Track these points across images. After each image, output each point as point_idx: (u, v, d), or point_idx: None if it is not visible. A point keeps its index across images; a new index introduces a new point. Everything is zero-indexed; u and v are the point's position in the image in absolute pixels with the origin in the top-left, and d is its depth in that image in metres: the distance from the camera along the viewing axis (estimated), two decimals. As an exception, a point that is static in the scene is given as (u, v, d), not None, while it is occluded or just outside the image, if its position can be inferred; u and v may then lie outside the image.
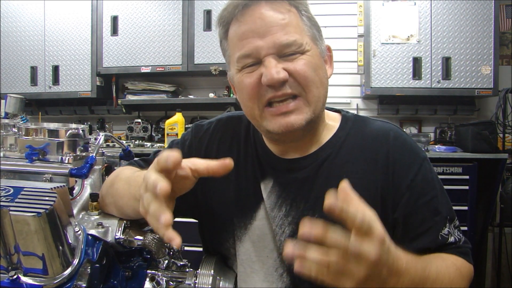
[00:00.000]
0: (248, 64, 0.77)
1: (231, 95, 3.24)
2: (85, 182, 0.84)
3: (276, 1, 0.76)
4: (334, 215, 0.49)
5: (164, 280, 0.79)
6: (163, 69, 3.12)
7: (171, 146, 0.99)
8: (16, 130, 0.84)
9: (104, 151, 0.94)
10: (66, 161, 0.76)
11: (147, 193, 0.57)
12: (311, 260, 0.50)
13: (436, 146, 2.76)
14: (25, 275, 0.63)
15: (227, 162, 0.58)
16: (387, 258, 0.54)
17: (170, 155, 0.56)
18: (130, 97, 3.30)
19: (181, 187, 0.63)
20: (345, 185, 0.51)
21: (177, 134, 2.83)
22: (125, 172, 0.84)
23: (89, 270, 0.70)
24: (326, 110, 0.90)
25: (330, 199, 0.49)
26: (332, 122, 0.90)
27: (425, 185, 0.81)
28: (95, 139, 0.87)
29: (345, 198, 0.50)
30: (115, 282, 0.78)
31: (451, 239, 0.79)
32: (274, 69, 0.73)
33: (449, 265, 0.75)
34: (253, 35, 0.75)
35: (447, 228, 0.80)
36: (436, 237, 0.79)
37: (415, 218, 0.80)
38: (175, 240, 0.53)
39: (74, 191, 0.81)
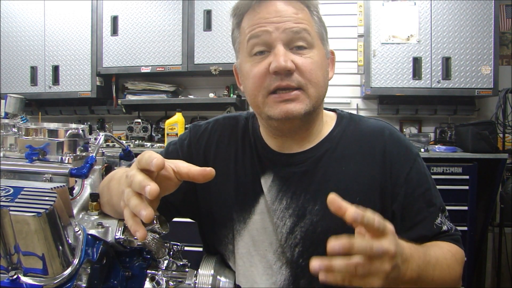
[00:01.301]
0: (259, 50, 0.81)
1: (231, 95, 3.24)
2: (85, 182, 0.84)
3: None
4: (356, 225, 0.56)
5: (164, 280, 0.79)
6: (163, 69, 3.12)
7: (168, 147, 0.99)
8: (16, 130, 0.84)
9: (104, 151, 0.94)
10: (66, 161, 0.76)
11: (128, 188, 0.57)
12: (339, 269, 0.54)
13: (436, 146, 2.75)
14: (25, 275, 0.63)
15: (208, 171, 0.59)
16: (399, 247, 0.59)
17: (153, 158, 0.55)
18: (130, 97, 3.30)
19: (164, 187, 0.62)
20: (333, 196, 0.57)
21: (177, 134, 2.83)
22: (119, 172, 0.85)
23: (89, 270, 0.70)
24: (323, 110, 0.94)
25: (352, 212, 0.54)
26: (329, 120, 0.93)
27: (419, 178, 0.87)
28: (95, 139, 0.87)
29: (339, 207, 0.56)
30: (115, 282, 0.78)
31: (444, 228, 0.85)
32: (283, 57, 0.77)
33: (445, 252, 0.80)
34: (266, 21, 0.79)
35: (440, 218, 0.86)
36: (431, 226, 0.84)
37: (411, 208, 0.85)
38: (139, 232, 0.54)
39: (74, 191, 0.81)
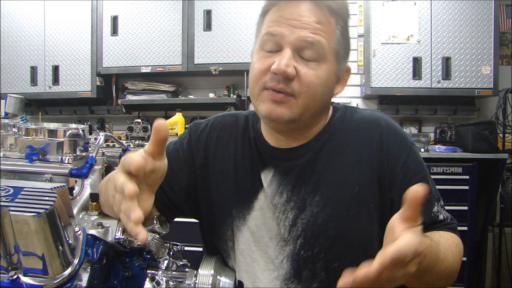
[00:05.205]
0: (269, 49, 0.81)
1: (231, 95, 3.24)
2: (85, 182, 0.84)
3: (319, 6, 0.79)
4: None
5: (164, 280, 0.79)
6: (163, 69, 3.12)
7: (168, 146, 0.99)
8: (16, 130, 0.84)
9: (104, 151, 0.94)
10: (66, 161, 0.76)
11: (117, 193, 0.59)
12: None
13: (436, 146, 2.76)
14: (25, 275, 0.63)
15: (160, 124, 0.60)
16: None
17: (133, 161, 0.58)
18: (130, 97, 3.30)
19: (153, 180, 0.65)
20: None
21: (177, 134, 2.84)
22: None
23: (89, 270, 0.70)
24: None
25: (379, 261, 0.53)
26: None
27: (416, 166, 0.88)
28: (95, 139, 0.87)
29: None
30: (115, 282, 0.78)
31: (441, 216, 0.86)
32: (286, 61, 0.77)
33: (450, 243, 0.81)
34: (285, 22, 0.79)
35: (436, 206, 0.87)
36: (429, 213, 0.85)
37: None
38: (140, 234, 0.55)
39: (74, 191, 0.80)
